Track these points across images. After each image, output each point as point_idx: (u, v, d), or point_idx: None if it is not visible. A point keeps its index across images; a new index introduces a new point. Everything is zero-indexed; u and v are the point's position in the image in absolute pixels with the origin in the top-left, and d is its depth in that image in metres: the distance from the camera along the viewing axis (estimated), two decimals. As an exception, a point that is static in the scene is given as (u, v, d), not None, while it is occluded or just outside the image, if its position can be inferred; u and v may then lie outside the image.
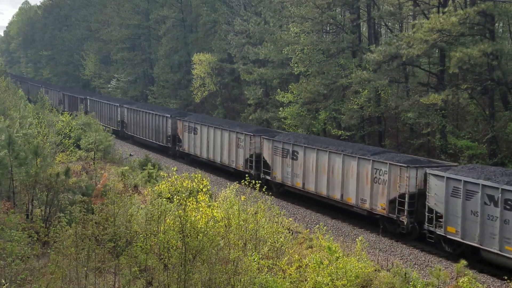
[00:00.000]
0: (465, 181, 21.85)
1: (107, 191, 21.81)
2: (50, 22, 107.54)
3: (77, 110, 63.52)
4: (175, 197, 17.65)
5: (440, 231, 23.11)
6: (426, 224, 23.80)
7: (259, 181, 22.86)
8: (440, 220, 23.07)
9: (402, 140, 38.64)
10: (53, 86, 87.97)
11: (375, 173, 26.30)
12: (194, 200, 19.26)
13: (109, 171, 33.26)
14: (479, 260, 21.96)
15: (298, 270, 16.93)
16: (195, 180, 23.50)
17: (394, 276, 18.75)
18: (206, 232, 16.27)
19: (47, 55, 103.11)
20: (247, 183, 20.99)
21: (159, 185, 23.46)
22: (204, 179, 23.80)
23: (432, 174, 23.54)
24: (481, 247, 21.35)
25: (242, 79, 51.93)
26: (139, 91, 72.03)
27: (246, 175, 24.75)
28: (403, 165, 24.93)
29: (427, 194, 23.78)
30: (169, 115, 46.41)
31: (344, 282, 15.72)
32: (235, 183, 22.86)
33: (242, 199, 19.83)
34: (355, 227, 27.35)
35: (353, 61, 39.13)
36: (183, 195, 17.12)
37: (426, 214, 23.73)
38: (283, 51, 42.27)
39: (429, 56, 36.25)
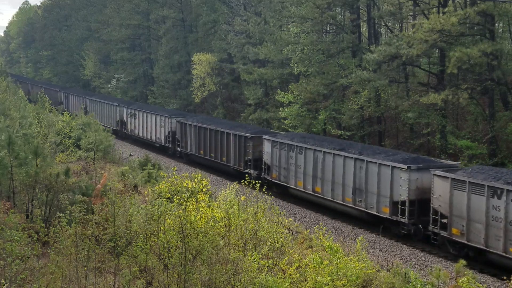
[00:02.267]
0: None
1: (107, 191, 21.81)
2: (50, 22, 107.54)
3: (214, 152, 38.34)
4: (175, 197, 17.63)
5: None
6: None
7: (259, 181, 22.82)
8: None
9: (402, 140, 38.65)
10: (144, 106, 54.10)
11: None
12: (194, 200, 19.27)
13: (109, 171, 33.26)
14: (478, 260, 21.96)
15: (298, 270, 16.92)
16: (195, 180, 23.49)
17: (394, 276, 18.76)
18: (206, 232, 16.26)
19: (47, 55, 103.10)
20: (247, 183, 20.99)
21: (159, 185, 23.45)
22: (204, 179, 23.79)
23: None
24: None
25: (242, 79, 51.94)
26: (139, 91, 72.07)
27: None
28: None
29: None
30: None
31: (344, 282, 15.72)
32: (235, 183, 22.87)
33: (242, 199, 19.83)
34: (355, 227, 27.35)
35: (353, 61, 39.15)
36: (184, 195, 17.09)
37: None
38: (283, 51, 42.28)
39: (429, 56, 36.30)
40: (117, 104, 55.89)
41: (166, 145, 46.11)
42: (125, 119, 54.06)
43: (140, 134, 50.57)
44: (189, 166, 27.42)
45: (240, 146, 35.77)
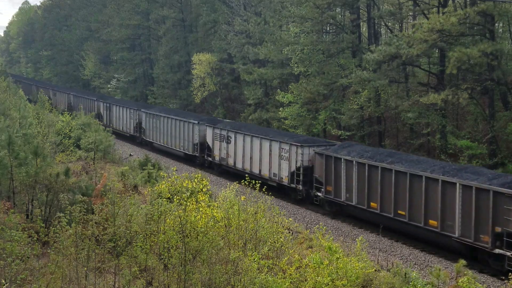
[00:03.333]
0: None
1: (107, 191, 21.81)
2: (50, 22, 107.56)
3: None
4: (175, 197, 17.64)
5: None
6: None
7: (259, 181, 22.79)
8: None
9: (402, 140, 38.64)
10: (243, 126, 39.48)
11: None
12: (194, 200, 19.26)
13: (109, 171, 33.25)
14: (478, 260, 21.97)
15: (298, 270, 16.92)
16: (195, 180, 23.48)
17: (394, 276, 18.76)
18: (206, 232, 16.27)
19: (47, 55, 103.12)
20: (247, 183, 20.98)
21: (159, 185, 23.45)
22: (203, 179, 23.79)
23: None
24: None
25: (242, 79, 51.97)
26: (139, 91, 72.10)
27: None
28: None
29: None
30: None
31: (344, 282, 15.72)
32: (235, 183, 22.86)
33: (242, 199, 19.83)
34: (355, 227, 27.35)
35: (353, 61, 39.17)
36: (184, 195, 17.09)
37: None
38: (283, 51, 42.30)
39: (429, 56, 36.32)
40: (196, 122, 41.37)
41: (292, 185, 31.65)
42: (209, 143, 39.77)
43: (239, 166, 36.08)
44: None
45: (479, 206, 21.68)
